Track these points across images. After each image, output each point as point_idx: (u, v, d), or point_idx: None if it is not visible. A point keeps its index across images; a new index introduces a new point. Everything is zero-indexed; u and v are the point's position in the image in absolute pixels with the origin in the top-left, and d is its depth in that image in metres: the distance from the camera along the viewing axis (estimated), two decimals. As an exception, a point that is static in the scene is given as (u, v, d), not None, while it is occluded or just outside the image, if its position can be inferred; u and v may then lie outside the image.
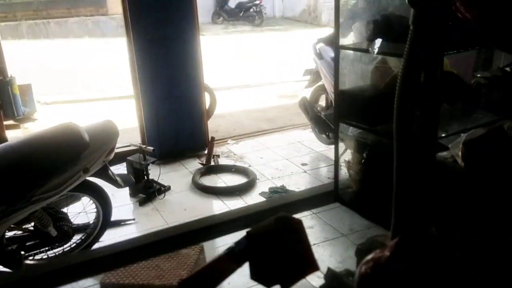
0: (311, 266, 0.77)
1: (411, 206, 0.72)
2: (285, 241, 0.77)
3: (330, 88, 4.11)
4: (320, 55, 4.25)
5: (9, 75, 4.48)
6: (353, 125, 1.22)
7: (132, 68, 4.33)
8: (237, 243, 0.77)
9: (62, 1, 13.68)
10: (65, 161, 2.40)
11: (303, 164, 4.32)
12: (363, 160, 1.20)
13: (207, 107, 4.76)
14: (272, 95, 6.80)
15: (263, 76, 8.11)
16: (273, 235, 0.77)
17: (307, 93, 4.74)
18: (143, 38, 4.20)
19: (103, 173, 2.73)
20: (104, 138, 2.62)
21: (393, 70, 1.24)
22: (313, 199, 1.04)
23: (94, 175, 2.66)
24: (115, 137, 2.68)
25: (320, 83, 4.44)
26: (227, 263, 0.74)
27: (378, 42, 1.29)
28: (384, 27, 1.21)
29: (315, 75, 4.45)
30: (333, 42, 4.03)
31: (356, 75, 1.31)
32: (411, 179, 0.65)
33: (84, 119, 5.58)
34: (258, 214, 0.98)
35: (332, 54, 3.96)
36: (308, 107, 4.48)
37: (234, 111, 5.94)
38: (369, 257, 0.72)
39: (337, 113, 1.38)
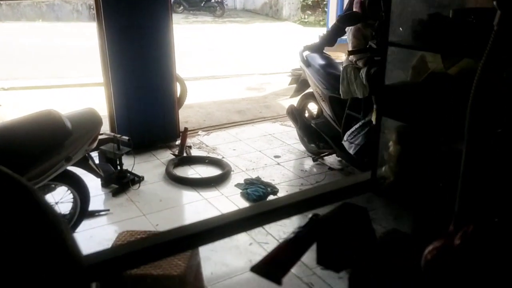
0: (375, 251, 0.80)
1: (477, 197, 0.77)
2: (350, 227, 0.79)
3: (320, 97, 4.00)
4: (307, 63, 4.11)
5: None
6: (396, 118, 1.26)
7: (102, 55, 4.21)
8: (301, 229, 0.79)
9: (14, -18, 12.98)
10: (47, 149, 2.31)
11: (276, 156, 4.37)
12: (404, 152, 1.25)
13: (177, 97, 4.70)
14: (240, 87, 6.81)
15: (229, 68, 8.09)
16: (337, 222, 0.79)
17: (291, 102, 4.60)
18: (115, 25, 4.08)
19: (85, 163, 2.65)
20: (87, 126, 2.54)
21: (429, 68, 1.30)
22: (350, 189, 1.07)
23: (75, 164, 2.58)
24: (98, 125, 2.61)
25: (308, 91, 4.31)
26: (292, 249, 0.76)
27: None
28: (429, 27, 1.26)
29: (302, 83, 4.30)
30: (319, 49, 4.08)
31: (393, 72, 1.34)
32: (479, 173, 0.70)
33: (50, 106, 5.37)
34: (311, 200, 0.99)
35: (320, 61, 4.01)
36: (297, 115, 4.28)
37: (203, 102, 5.91)
38: (435, 244, 0.76)
39: (379, 107, 1.43)
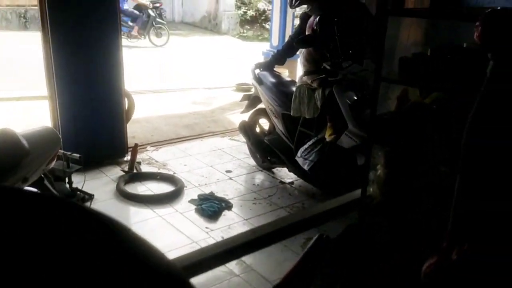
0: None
1: (469, 216, 0.89)
2: (355, 247, 0.88)
3: (272, 114, 4.09)
4: (259, 80, 4.20)
5: None
6: (385, 144, 1.38)
7: (47, 66, 4.05)
8: (310, 249, 0.85)
9: None
10: (2, 170, 2.21)
11: (228, 171, 4.43)
12: (392, 175, 1.36)
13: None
14: (186, 101, 6.80)
15: (173, 81, 8.05)
16: (345, 242, 0.88)
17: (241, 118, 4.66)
18: (62, 37, 3.96)
19: (41, 183, 2.55)
20: (45, 145, 2.46)
21: (410, 100, 1.45)
22: (339, 209, 1.15)
23: (31, 184, 2.48)
24: (56, 145, 2.53)
25: (259, 106, 4.40)
26: (305, 268, 0.82)
27: None
28: (413, 64, 1.40)
29: (254, 100, 4.40)
30: (270, 67, 4.25)
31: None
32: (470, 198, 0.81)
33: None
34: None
35: (272, 79, 4.17)
36: (249, 131, 4.37)
37: (150, 116, 5.83)
38: (431, 260, 0.86)
39: (371, 135, 1.54)
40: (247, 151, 4.70)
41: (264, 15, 16.04)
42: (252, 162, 4.64)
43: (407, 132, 1.36)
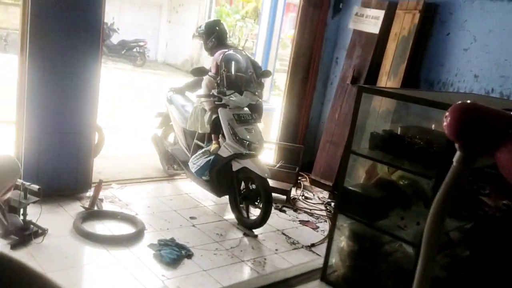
0: None
1: None
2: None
3: (177, 129, 5.04)
4: (170, 101, 5.10)
5: None
6: (352, 218, 1.37)
7: (19, 92, 3.96)
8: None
9: None
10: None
11: (192, 218, 4.32)
12: (356, 249, 1.34)
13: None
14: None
15: (149, 119, 7.98)
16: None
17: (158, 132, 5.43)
18: (40, 62, 3.90)
19: (-8, 213, 2.41)
20: (2, 175, 2.34)
21: (378, 173, 1.46)
22: (300, 277, 1.11)
23: (-19, 214, 2.34)
24: (15, 175, 2.41)
25: (170, 123, 5.20)
26: None
27: None
28: (383, 140, 1.43)
29: (166, 118, 5.25)
30: (182, 91, 5.19)
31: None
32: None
33: None
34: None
35: (180, 101, 5.07)
36: (159, 142, 5.27)
37: (120, 153, 5.72)
38: None
39: (337, 205, 1.53)
40: (214, 198, 4.66)
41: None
42: (218, 210, 4.57)
43: (373, 206, 1.37)
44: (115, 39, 15.52)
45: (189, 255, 3.62)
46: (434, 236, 0.75)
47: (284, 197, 5.04)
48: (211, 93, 4.33)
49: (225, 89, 4.21)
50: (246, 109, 4.34)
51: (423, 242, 0.75)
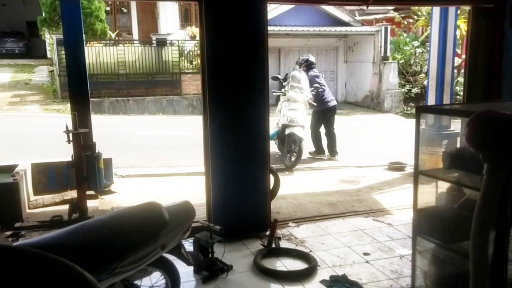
0: None
1: None
2: None
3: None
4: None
5: (96, 151, 4.97)
6: (430, 240, 1.32)
7: (205, 145, 4.67)
8: None
9: (141, 82, 15.01)
10: (146, 237, 2.61)
11: (365, 254, 4.29)
12: (437, 273, 1.28)
13: (270, 188, 4.95)
14: (334, 179, 6.90)
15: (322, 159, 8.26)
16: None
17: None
18: (218, 118, 4.55)
19: (177, 250, 2.91)
20: (182, 217, 2.83)
21: (465, 193, 1.36)
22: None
23: (168, 251, 2.85)
24: (191, 217, 2.89)
25: None
26: None
27: None
28: (458, 159, 1.35)
29: None
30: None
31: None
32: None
33: (159, 193, 5.95)
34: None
35: None
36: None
37: (296, 193, 6.07)
38: None
39: (416, 228, 1.49)
40: (390, 233, 4.53)
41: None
42: (393, 245, 4.42)
43: (454, 232, 1.23)
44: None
45: (360, 292, 3.59)
46: (479, 252, 0.72)
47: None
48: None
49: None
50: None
51: (470, 259, 0.73)
